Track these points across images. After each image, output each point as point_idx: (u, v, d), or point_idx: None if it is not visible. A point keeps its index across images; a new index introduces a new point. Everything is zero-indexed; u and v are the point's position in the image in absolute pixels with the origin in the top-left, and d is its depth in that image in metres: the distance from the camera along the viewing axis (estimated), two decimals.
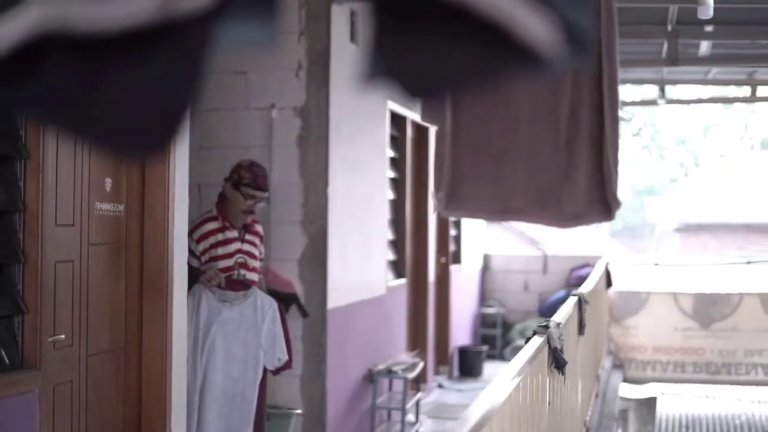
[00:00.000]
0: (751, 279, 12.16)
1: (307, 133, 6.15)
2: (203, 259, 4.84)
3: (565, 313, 4.93)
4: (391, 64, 0.82)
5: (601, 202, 2.21)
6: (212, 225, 4.91)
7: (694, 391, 12.45)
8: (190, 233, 4.62)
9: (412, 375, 7.18)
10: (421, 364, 7.53)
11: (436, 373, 9.93)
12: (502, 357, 11.44)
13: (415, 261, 8.96)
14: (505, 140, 2.23)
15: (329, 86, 6.14)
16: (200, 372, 4.60)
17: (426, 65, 0.82)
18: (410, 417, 7.55)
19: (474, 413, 2.22)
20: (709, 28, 8.41)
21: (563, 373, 3.91)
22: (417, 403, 7.67)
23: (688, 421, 12.54)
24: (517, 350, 12.84)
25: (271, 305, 4.86)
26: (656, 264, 12.55)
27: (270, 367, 4.76)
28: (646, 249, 24.67)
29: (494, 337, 11.80)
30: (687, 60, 9.29)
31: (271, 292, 6.27)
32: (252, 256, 4.98)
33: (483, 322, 12.01)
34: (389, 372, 7.08)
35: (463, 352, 10.42)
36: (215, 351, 4.63)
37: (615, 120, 2.17)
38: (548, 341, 3.83)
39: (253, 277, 4.97)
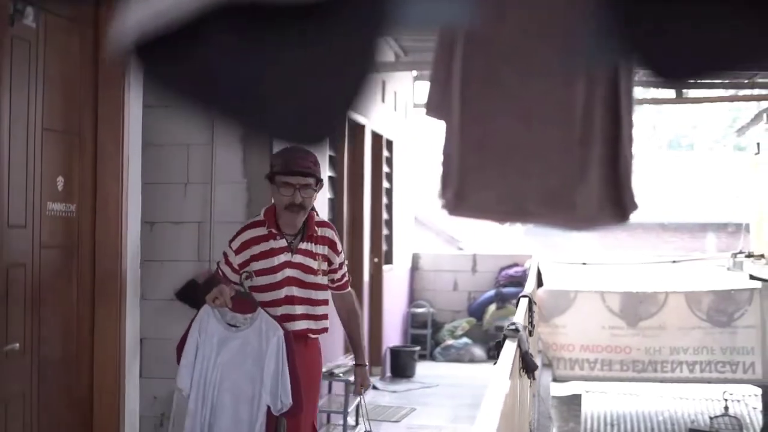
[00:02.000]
0: (675, 278, 12.34)
1: None
2: (244, 274, 3.82)
3: (522, 314, 4.87)
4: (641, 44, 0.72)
5: (615, 205, 2.10)
6: (256, 232, 3.84)
7: (619, 388, 12.60)
8: (230, 242, 3.87)
9: (352, 377, 7.05)
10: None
11: (369, 374, 9.82)
12: (432, 357, 11.39)
13: (351, 261, 8.84)
14: (516, 138, 2.10)
15: None
16: (206, 413, 3.70)
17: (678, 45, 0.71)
18: (350, 420, 7.42)
19: (485, 426, 2.11)
20: None
21: (533, 377, 3.84)
22: (357, 406, 7.55)
23: (612, 419, 12.68)
24: (447, 350, 12.76)
25: (275, 332, 3.72)
26: (584, 263, 12.64)
27: (273, 411, 3.72)
28: (558, 247, 24.96)
29: (425, 337, 11.74)
30: None
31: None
32: (308, 270, 3.83)
33: (413, 322, 11.94)
34: (330, 375, 6.94)
35: (395, 352, 10.33)
36: (222, 387, 3.71)
37: (630, 119, 2.07)
38: (519, 344, 3.76)
39: (311, 295, 3.86)
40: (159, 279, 5.50)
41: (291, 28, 0.78)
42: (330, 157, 7.70)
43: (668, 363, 11.56)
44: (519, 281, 12.30)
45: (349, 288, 4.09)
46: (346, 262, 4.01)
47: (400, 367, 10.26)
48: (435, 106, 2.28)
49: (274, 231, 3.81)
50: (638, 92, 13.78)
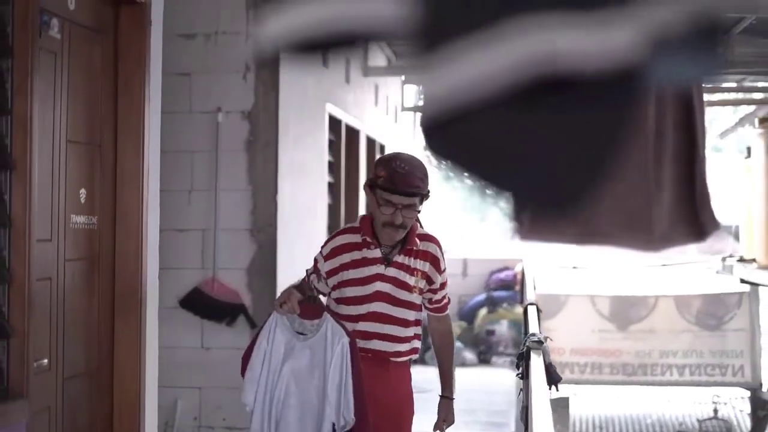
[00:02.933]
0: (665, 281, 12.39)
1: (255, 137, 5.94)
2: (331, 282, 3.48)
3: (535, 323, 4.86)
4: None
5: (692, 224, 2.11)
6: (349, 238, 3.50)
7: (607, 391, 12.63)
8: (321, 247, 3.57)
9: None
10: None
11: None
12: (423, 361, 11.38)
13: None
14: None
15: (278, 89, 5.95)
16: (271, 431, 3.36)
17: None
18: None
19: None
20: None
21: (558, 390, 3.83)
22: None
23: (600, 422, 12.71)
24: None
25: (340, 339, 3.32)
26: (574, 267, 12.68)
27: (337, 429, 3.29)
28: (547, 250, 25.02)
29: None
30: None
31: (217, 303, 6.05)
32: (403, 286, 3.47)
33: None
34: None
35: None
36: (288, 403, 3.34)
37: (704, 136, 2.08)
38: (543, 356, 3.75)
39: (402, 314, 3.49)
40: (163, 287, 5.47)
41: (584, 97, 0.80)
42: (329, 163, 7.68)
43: (658, 366, 11.61)
44: (509, 285, 12.32)
45: (447, 311, 3.71)
46: (448, 283, 3.64)
47: None
48: None
49: (369, 240, 3.45)
50: None
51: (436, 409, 3.67)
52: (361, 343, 3.39)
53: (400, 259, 3.48)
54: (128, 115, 3.74)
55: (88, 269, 3.58)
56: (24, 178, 2.91)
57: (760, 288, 10.26)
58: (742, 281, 10.45)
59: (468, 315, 12.16)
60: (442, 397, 3.68)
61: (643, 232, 2.09)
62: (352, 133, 8.76)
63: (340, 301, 3.50)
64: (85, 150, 3.53)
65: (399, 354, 3.51)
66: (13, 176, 2.89)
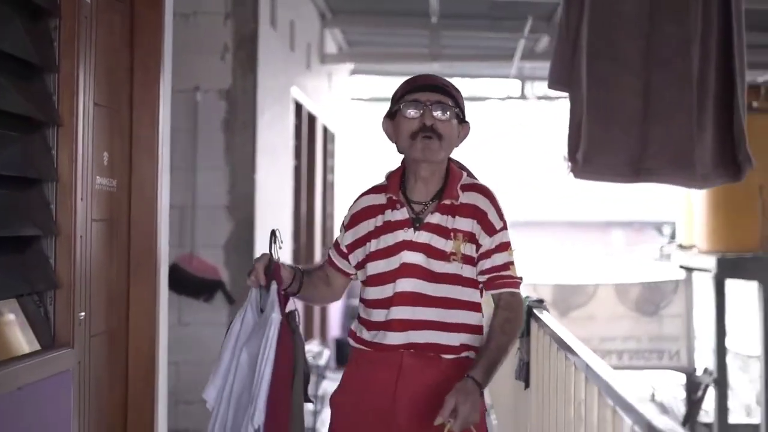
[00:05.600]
0: (606, 270, 12.77)
1: (233, 117, 6.04)
2: (354, 260, 2.82)
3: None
4: None
5: (730, 163, 2.34)
6: (372, 199, 2.81)
7: None
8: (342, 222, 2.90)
9: (322, 362, 7.17)
10: (327, 352, 7.53)
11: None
12: None
13: (305, 252, 8.93)
14: (637, 106, 2.31)
15: (257, 70, 6.06)
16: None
17: None
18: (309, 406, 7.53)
19: None
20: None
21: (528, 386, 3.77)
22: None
23: None
24: None
25: (270, 317, 2.60)
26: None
27: None
28: None
29: None
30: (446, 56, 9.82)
31: (196, 279, 6.12)
32: (437, 254, 2.66)
33: (350, 313, 12.10)
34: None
35: (340, 343, 10.47)
36: (240, 402, 2.64)
37: (743, 84, 2.30)
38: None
39: (443, 292, 2.67)
40: None
41: None
42: (295, 147, 7.80)
43: (598, 352, 11.93)
44: None
45: (513, 289, 2.69)
46: (513, 251, 2.68)
47: (344, 357, 10.40)
48: (558, 80, 2.46)
49: (394, 198, 2.74)
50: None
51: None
52: (400, 337, 2.67)
53: (434, 219, 2.69)
54: (144, 84, 3.83)
55: (109, 231, 3.65)
56: (70, 135, 2.99)
57: (698, 274, 10.66)
58: (681, 267, 10.84)
59: None
60: (466, 376, 2.58)
61: (685, 170, 2.31)
62: (312, 120, 8.88)
63: (366, 283, 2.77)
64: (107, 113, 3.60)
65: (452, 349, 2.67)
66: (60, 133, 2.98)
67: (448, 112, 2.67)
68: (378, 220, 2.78)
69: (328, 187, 10.26)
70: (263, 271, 2.71)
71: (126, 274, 3.81)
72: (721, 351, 9.58)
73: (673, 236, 12.87)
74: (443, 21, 8.74)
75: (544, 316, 3.28)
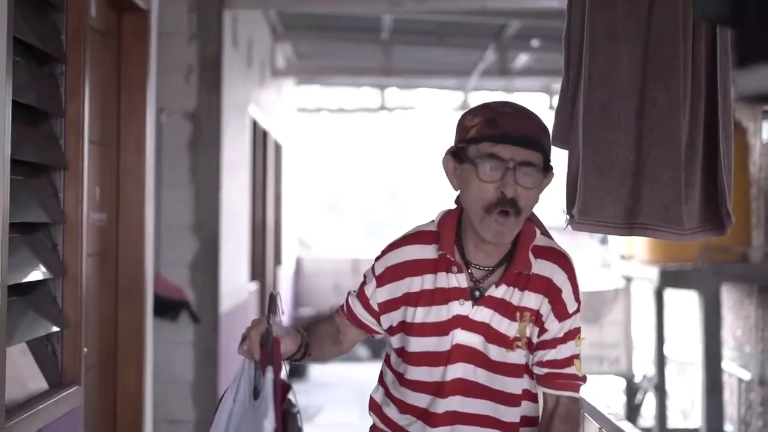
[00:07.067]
0: None
1: (198, 137, 6.10)
2: (386, 322, 2.24)
3: None
4: None
5: (714, 219, 2.53)
6: (419, 251, 2.19)
7: None
8: (375, 260, 2.28)
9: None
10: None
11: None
12: None
13: (257, 262, 9.01)
14: (631, 163, 2.49)
15: (221, 91, 6.13)
16: None
17: None
18: None
19: None
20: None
21: None
22: None
23: None
24: None
25: (263, 420, 1.90)
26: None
27: None
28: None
29: None
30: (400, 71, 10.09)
31: (161, 299, 6.16)
32: (499, 339, 2.13)
33: (295, 323, 12.20)
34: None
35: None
36: None
37: (729, 145, 2.49)
38: None
39: (499, 384, 2.16)
40: None
41: None
42: (250, 162, 7.88)
43: None
44: None
45: (575, 394, 2.16)
46: (581, 339, 2.15)
47: (294, 368, 10.48)
48: (560, 137, 2.61)
49: (450, 257, 2.14)
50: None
51: None
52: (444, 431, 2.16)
53: (498, 292, 2.12)
54: (131, 114, 3.92)
55: (101, 263, 3.73)
56: (76, 177, 3.06)
57: (637, 282, 10.98)
58: (623, 277, 11.14)
59: None
60: None
61: (674, 226, 2.49)
62: (264, 134, 8.97)
63: (403, 355, 2.22)
64: (99, 149, 3.68)
65: None
66: (66, 175, 3.04)
67: (535, 177, 2.05)
68: (426, 281, 2.16)
69: (277, 199, 10.35)
70: (259, 342, 2.09)
71: (114, 303, 3.89)
72: (660, 358, 9.88)
73: (604, 242, 13.20)
74: (394, 37, 8.89)
75: None
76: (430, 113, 13.40)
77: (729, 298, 9.72)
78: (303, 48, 10.25)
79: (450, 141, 2.18)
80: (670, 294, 10.39)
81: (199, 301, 6.07)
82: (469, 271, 2.16)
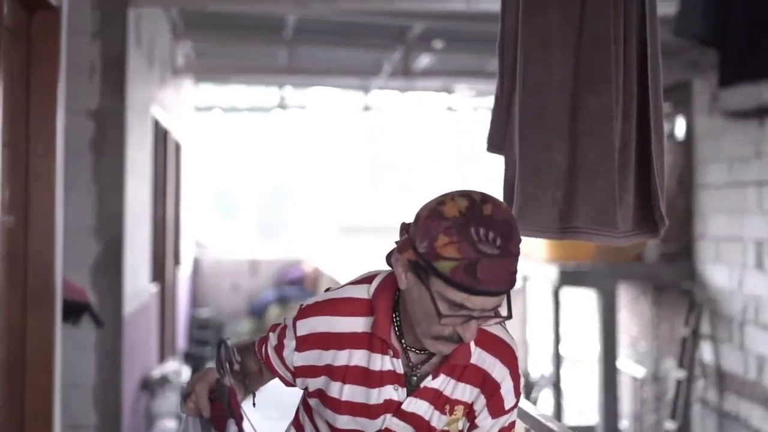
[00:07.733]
0: None
1: (101, 137, 5.98)
2: (300, 383, 2.07)
3: None
4: None
5: (648, 222, 2.61)
6: (349, 324, 1.97)
7: None
8: (295, 319, 2.03)
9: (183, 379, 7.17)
10: (186, 369, 7.52)
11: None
12: None
13: (157, 264, 8.87)
14: (565, 169, 2.55)
15: (125, 90, 6.02)
16: None
17: None
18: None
19: None
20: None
21: None
22: None
23: None
24: None
25: None
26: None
27: None
28: (284, 244, 25.75)
29: (207, 338, 11.89)
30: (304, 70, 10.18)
31: (63, 302, 6.01)
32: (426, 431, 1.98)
33: (196, 323, 12.06)
34: (164, 380, 7.02)
35: (190, 356, 10.41)
36: None
37: (661, 150, 2.57)
38: None
39: None
40: None
41: None
42: (152, 162, 7.75)
43: None
44: (299, 281, 12.73)
45: None
46: None
47: (199, 369, 10.37)
48: (495, 144, 2.65)
49: (384, 339, 1.94)
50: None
51: None
52: None
53: (435, 383, 1.97)
54: (41, 116, 3.81)
55: (8, 267, 3.63)
56: None
57: (534, 282, 11.19)
58: (522, 277, 11.36)
59: (258, 311, 12.44)
60: None
61: (609, 229, 2.55)
62: (165, 134, 8.83)
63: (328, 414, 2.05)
64: (8, 151, 3.58)
65: None
66: None
67: (493, 319, 1.85)
68: (355, 357, 1.96)
69: (177, 199, 10.21)
70: (207, 396, 1.97)
71: (22, 309, 3.78)
72: (557, 356, 10.09)
73: None
74: (298, 36, 8.86)
75: None
76: (327, 113, 13.37)
77: (625, 296, 10.00)
78: (203, 46, 10.13)
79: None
80: (566, 292, 10.62)
81: (102, 303, 5.95)
82: (407, 354, 1.96)
